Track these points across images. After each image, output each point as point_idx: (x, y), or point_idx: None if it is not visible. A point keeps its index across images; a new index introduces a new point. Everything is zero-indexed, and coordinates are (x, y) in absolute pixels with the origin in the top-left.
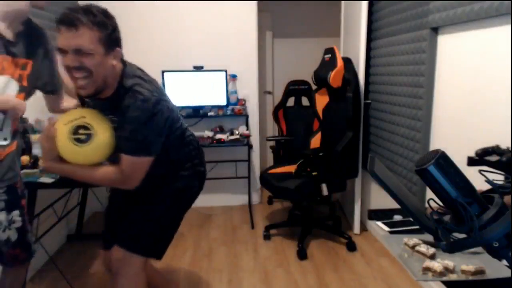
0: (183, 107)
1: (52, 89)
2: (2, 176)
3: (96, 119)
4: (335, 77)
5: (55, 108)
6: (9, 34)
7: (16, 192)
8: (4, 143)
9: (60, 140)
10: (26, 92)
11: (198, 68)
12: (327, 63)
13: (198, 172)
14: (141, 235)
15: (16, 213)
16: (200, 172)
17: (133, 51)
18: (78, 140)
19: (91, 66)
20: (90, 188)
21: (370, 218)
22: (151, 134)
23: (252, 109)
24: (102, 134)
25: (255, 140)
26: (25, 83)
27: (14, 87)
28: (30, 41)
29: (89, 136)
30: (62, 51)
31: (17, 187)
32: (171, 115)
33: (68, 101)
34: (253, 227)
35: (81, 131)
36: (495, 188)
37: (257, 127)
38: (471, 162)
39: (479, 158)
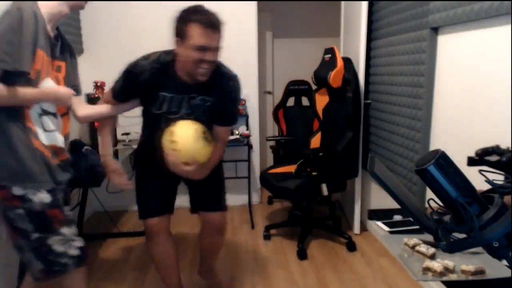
0: None
1: (77, 92)
2: (63, 175)
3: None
4: (335, 77)
5: (76, 113)
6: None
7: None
8: (63, 145)
9: (201, 150)
10: None
11: None
12: (327, 63)
13: None
14: (224, 197)
15: (67, 208)
16: None
17: (134, 51)
18: (207, 140)
19: (217, 60)
20: (90, 188)
21: (370, 218)
22: (238, 108)
23: (252, 109)
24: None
25: (255, 140)
26: (62, 85)
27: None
28: (61, 44)
29: (209, 134)
30: (204, 49)
31: None
32: None
33: (85, 108)
34: (253, 227)
35: (205, 134)
36: (495, 188)
37: (257, 127)
38: (471, 162)
39: (479, 158)
